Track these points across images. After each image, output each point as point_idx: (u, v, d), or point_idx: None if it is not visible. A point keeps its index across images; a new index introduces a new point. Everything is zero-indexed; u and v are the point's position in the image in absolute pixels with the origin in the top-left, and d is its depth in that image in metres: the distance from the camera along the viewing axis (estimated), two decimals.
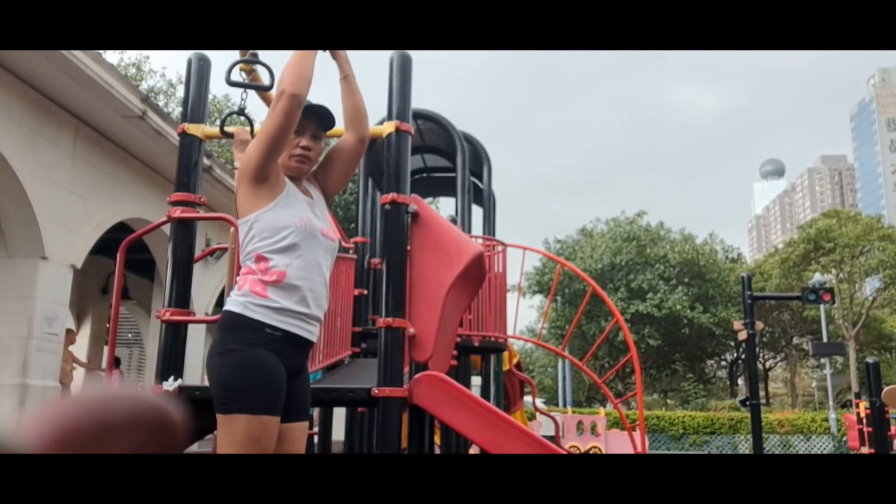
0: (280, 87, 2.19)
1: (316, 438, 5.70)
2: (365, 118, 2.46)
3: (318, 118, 2.37)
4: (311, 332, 2.30)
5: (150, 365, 12.17)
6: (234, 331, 2.17)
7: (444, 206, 25.23)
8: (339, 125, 2.59)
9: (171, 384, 3.25)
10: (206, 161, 7.80)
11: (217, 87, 27.03)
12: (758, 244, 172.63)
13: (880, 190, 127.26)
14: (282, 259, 2.22)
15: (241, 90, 3.27)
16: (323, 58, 2.42)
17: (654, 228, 35.73)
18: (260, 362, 2.12)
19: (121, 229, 8.46)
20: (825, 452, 21.64)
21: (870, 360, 9.38)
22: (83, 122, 7.86)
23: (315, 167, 2.50)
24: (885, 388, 9.34)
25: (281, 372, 2.16)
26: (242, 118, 3.30)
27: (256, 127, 3.40)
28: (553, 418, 9.40)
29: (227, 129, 3.28)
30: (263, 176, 2.23)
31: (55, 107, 7.43)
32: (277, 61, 3.22)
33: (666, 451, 21.89)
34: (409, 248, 3.48)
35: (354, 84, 2.44)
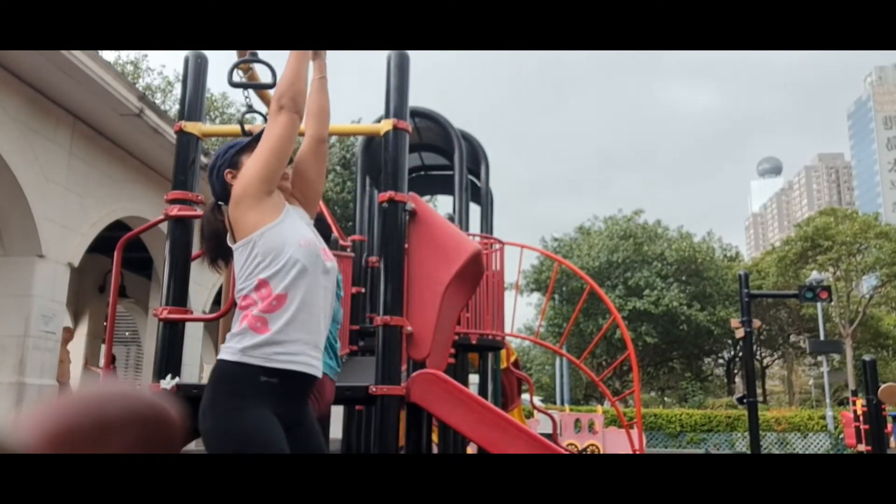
0: (279, 102, 2.16)
1: None
2: (327, 119, 2.37)
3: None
4: (316, 366, 2.08)
5: (147, 363, 12.16)
6: (226, 384, 1.99)
7: (442, 205, 25.25)
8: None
9: (168, 382, 3.25)
10: (203, 159, 7.76)
11: (214, 86, 27.00)
12: (755, 242, 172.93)
13: (877, 188, 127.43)
14: (285, 283, 2.04)
15: (243, 89, 3.29)
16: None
17: (651, 226, 35.77)
18: (260, 429, 1.91)
19: (118, 227, 8.44)
20: (822, 450, 21.70)
21: (866, 357, 9.41)
22: (80, 119, 7.84)
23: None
24: (882, 386, 9.37)
25: (278, 433, 1.94)
26: (255, 115, 3.34)
27: (258, 123, 3.42)
28: (551, 416, 9.43)
29: (246, 127, 3.30)
30: (268, 190, 2.12)
31: (52, 104, 7.41)
32: (277, 60, 3.23)
33: (663, 449, 21.93)
34: (406, 246, 3.49)
35: (324, 87, 2.41)
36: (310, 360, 2.05)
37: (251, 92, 3.31)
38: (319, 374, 2.09)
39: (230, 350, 2.00)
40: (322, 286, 2.12)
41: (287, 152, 2.17)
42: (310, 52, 2.31)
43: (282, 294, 2.03)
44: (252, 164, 2.13)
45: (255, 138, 2.26)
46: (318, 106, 2.37)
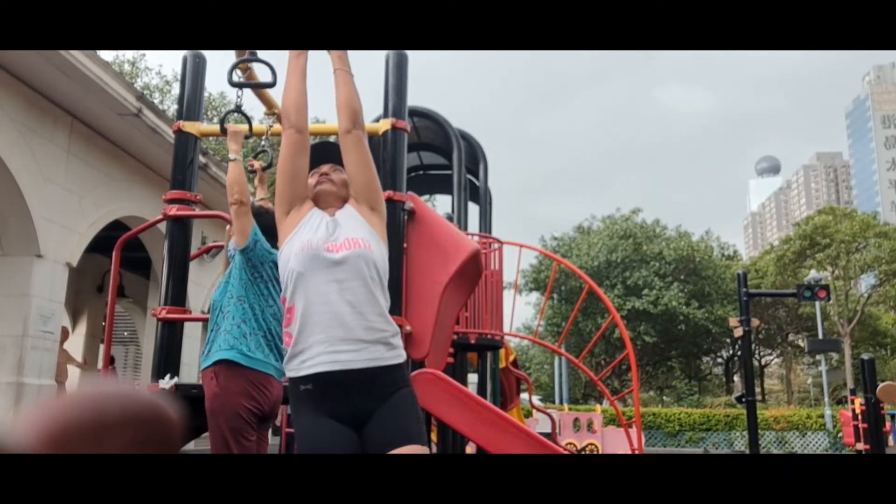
0: (282, 121, 2.28)
1: None
2: (347, 111, 2.29)
3: (323, 155, 2.38)
4: (339, 360, 2.01)
5: (146, 363, 12.15)
6: (290, 397, 2.10)
7: (441, 204, 25.25)
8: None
9: (167, 382, 3.25)
10: (201, 158, 7.78)
11: (212, 85, 26.96)
12: (753, 241, 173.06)
13: (875, 187, 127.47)
14: (289, 294, 2.10)
15: (237, 89, 3.29)
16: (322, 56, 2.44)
17: (649, 226, 35.78)
18: (305, 436, 2.01)
19: (116, 227, 8.44)
20: (820, 449, 21.72)
21: (865, 356, 9.41)
22: (78, 119, 7.83)
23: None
24: (880, 385, 9.37)
25: (326, 437, 1.99)
26: (239, 116, 3.34)
27: (255, 124, 3.44)
28: (549, 415, 9.43)
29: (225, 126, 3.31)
30: (285, 211, 2.20)
31: (50, 104, 7.40)
32: (276, 60, 3.23)
33: (662, 448, 21.95)
34: (405, 245, 3.48)
35: (342, 79, 2.33)
36: (330, 357, 2.01)
37: (245, 92, 3.32)
38: (358, 365, 2.02)
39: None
40: (331, 280, 2.07)
41: (289, 169, 2.20)
42: (302, 59, 2.30)
43: (290, 306, 2.09)
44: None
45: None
46: (338, 100, 2.33)
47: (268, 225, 2.88)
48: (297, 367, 2.04)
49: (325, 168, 2.33)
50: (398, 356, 2.12)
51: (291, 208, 2.20)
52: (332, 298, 2.05)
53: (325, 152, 2.38)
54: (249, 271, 2.93)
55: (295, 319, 2.06)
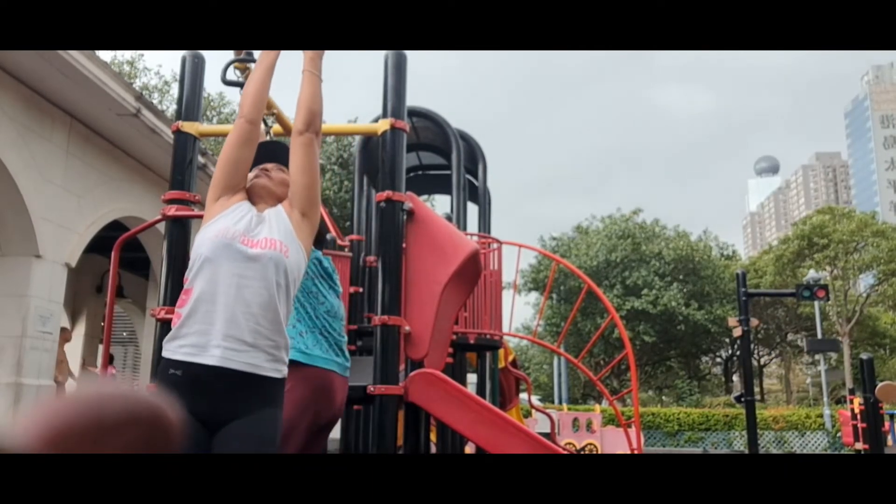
0: (238, 111, 2.27)
1: None
2: (303, 112, 2.26)
3: (266, 153, 2.36)
4: (222, 356, 1.95)
5: (145, 363, 12.14)
6: (158, 376, 2.06)
7: (440, 204, 25.24)
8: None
9: None
10: (200, 159, 7.77)
11: (212, 85, 26.98)
12: (752, 241, 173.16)
13: (874, 186, 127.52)
14: (195, 278, 2.04)
15: (239, 89, 3.28)
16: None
17: (649, 226, 35.79)
18: None
19: (115, 227, 8.43)
20: (819, 448, 21.74)
21: (864, 356, 9.41)
22: (77, 119, 7.82)
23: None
24: (879, 385, 9.38)
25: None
26: None
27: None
28: (549, 415, 9.42)
29: None
30: (215, 196, 2.18)
31: (49, 104, 7.40)
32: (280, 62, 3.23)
33: (661, 448, 21.96)
34: (404, 245, 3.48)
35: (308, 80, 2.31)
36: (208, 349, 1.95)
37: None
38: (228, 364, 1.95)
39: None
40: (235, 273, 2.01)
41: (231, 157, 2.20)
42: (273, 55, 2.33)
43: (188, 288, 2.06)
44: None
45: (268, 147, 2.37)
46: (299, 100, 2.32)
47: None
48: (174, 350, 1.99)
49: (269, 165, 2.32)
50: (278, 371, 2.04)
51: (222, 195, 2.18)
52: (230, 292, 2.00)
53: (272, 151, 2.38)
54: None
55: (188, 302, 2.02)
